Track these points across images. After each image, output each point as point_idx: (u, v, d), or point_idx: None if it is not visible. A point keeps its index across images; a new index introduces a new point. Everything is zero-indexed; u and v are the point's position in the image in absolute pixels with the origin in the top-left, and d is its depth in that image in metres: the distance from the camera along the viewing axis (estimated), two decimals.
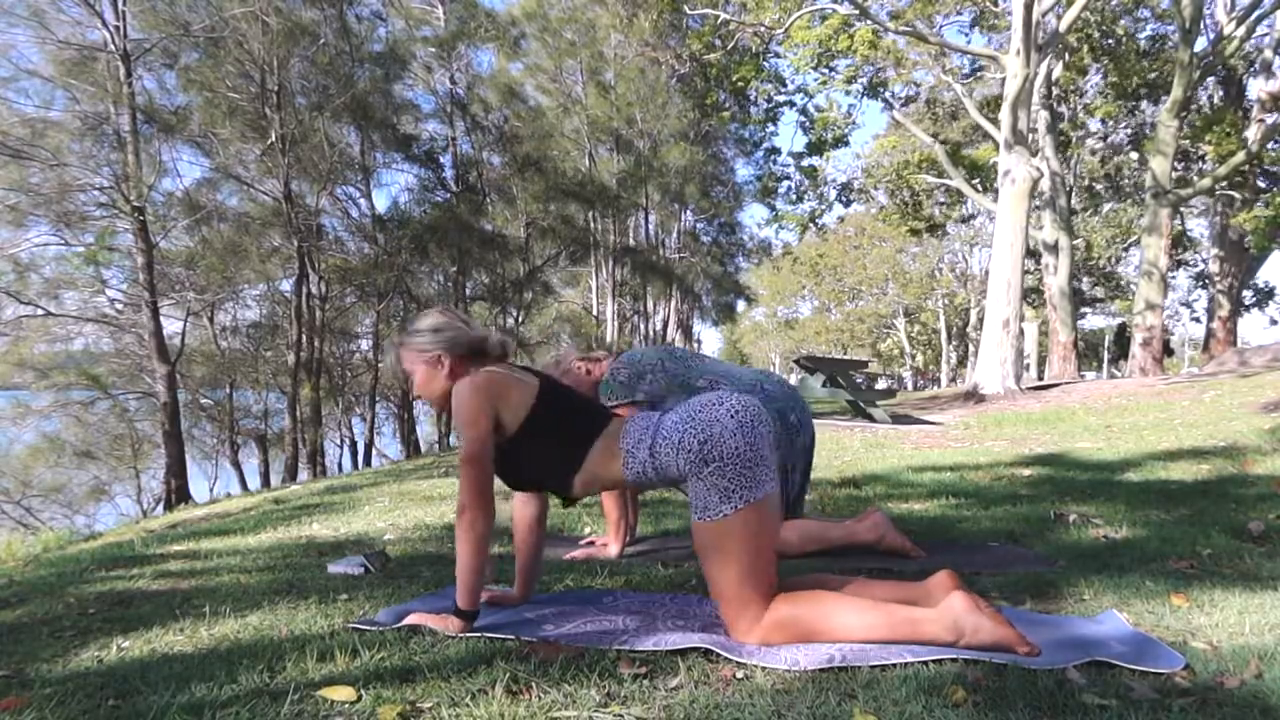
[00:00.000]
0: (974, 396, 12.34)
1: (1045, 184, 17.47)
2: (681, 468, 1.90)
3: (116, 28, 11.45)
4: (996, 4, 18.07)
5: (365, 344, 17.71)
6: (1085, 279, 30.11)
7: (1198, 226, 26.64)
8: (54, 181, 11.70)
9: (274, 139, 13.18)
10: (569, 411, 2.07)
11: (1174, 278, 27.38)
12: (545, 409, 2.04)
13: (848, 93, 19.12)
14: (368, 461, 16.22)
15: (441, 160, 18.46)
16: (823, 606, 1.82)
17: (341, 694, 1.54)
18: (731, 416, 1.88)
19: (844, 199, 23.86)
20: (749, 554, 1.84)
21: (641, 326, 26.08)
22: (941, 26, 18.07)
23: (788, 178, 23.56)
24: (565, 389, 2.14)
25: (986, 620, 1.72)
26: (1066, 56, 18.05)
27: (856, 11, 15.43)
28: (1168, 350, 21.62)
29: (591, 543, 3.14)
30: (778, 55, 18.62)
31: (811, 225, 24.06)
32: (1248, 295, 23.12)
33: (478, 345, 2.16)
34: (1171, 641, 1.81)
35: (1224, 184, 16.39)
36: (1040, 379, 19.76)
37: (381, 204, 20.68)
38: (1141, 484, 4.31)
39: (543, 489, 2.17)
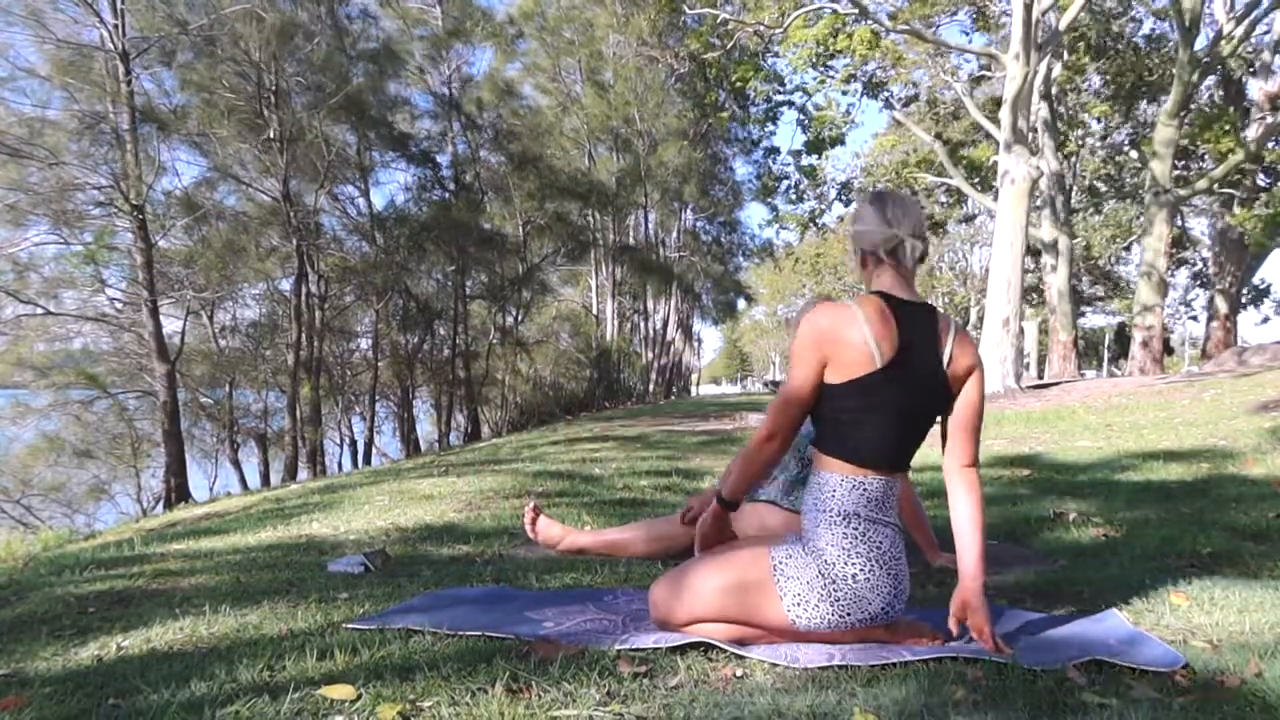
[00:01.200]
0: None
1: (1044, 183, 17.47)
2: (820, 548, 1.81)
3: (115, 26, 11.43)
4: (994, 2, 18.08)
5: (365, 343, 17.71)
6: (1085, 278, 30.12)
7: (1198, 225, 26.66)
8: (52, 180, 11.69)
9: (271, 137, 13.17)
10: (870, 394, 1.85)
11: (1173, 277, 27.38)
12: (884, 376, 1.81)
13: (845, 93, 19.14)
14: (368, 460, 16.21)
15: (439, 159, 18.46)
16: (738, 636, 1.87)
17: (341, 692, 1.54)
18: (883, 610, 1.80)
19: (844, 198, 23.87)
20: (747, 601, 1.82)
21: (641, 325, 26.07)
22: (940, 26, 18.06)
23: (787, 177, 23.58)
24: (900, 369, 1.85)
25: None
26: (1065, 55, 18.05)
27: (855, 11, 15.43)
28: (1168, 349, 21.62)
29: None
30: (776, 55, 18.64)
31: (812, 225, 24.08)
32: (1245, 293, 23.14)
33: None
34: (1171, 640, 1.81)
35: (1222, 183, 16.39)
36: (1040, 378, 19.78)
37: (380, 203, 20.67)
38: (1141, 483, 4.31)
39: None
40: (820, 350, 1.80)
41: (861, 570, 1.78)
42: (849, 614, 1.79)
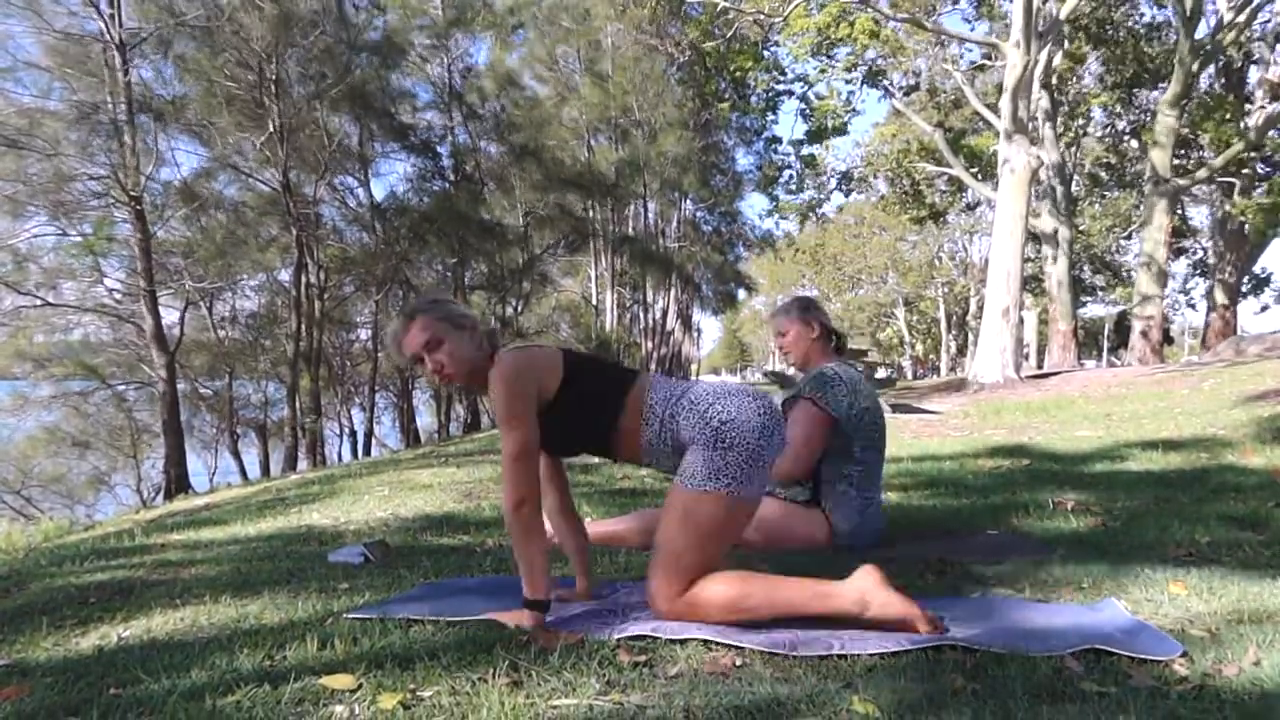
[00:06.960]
0: (966, 386, 12.35)
1: (1044, 173, 17.44)
2: (691, 436, 1.95)
3: (112, 16, 11.37)
4: None
5: (364, 334, 17.71)
6: (1086, 267, 30.08)
7: (1198, 215, 26.60)
8: (51, 171, 11.65)
9: (272, 128, 13.12)
10: (597, 373, 2.08)
11: (1173, 266, 27.32)
12: (576, 375, 2.04)
13: (847, 81, 19.08)
14: (367, 451, 16.23)
15: (439, 150, 18.41)
16: (738, 584, 1.89)
17: (342, 682, 1.54)
18: (758, 414, 1.95)
19: (844, 188, 23.81)
20: (705, 535, 1.90)
21: (641, 316, 26.04)
22: (941, 15, 17.97)
23: (788, 167, 23.52)
24: (586, 355, 2.16)
25: (895, 596, 1.82)
26: (1066, 44, 17.98)
27: None
28: (1167, 339, 21.61)
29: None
30: (776, 44, 18.57)
31: (811, 215, 24.04)
32: (1245, 282, 23.11)
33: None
34: (1170, 629, 1.81)
35: (1222, 172, 16.35)
36: (1040, 367, 19.77)
37: (380, 194, 20.63)
38: (1141, 472, 4.31)
39: (585, 452, 2.15)
40: None
41: (728, 408, 1.94)
42: (744, 448, 1.90)
